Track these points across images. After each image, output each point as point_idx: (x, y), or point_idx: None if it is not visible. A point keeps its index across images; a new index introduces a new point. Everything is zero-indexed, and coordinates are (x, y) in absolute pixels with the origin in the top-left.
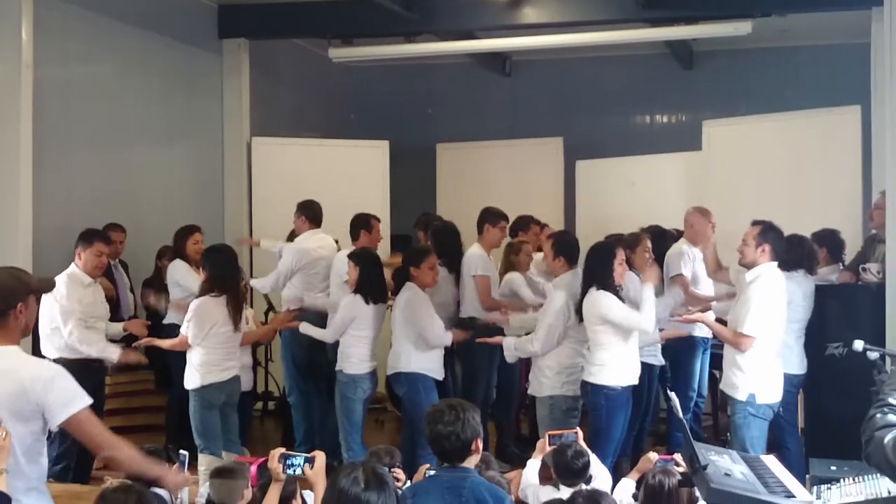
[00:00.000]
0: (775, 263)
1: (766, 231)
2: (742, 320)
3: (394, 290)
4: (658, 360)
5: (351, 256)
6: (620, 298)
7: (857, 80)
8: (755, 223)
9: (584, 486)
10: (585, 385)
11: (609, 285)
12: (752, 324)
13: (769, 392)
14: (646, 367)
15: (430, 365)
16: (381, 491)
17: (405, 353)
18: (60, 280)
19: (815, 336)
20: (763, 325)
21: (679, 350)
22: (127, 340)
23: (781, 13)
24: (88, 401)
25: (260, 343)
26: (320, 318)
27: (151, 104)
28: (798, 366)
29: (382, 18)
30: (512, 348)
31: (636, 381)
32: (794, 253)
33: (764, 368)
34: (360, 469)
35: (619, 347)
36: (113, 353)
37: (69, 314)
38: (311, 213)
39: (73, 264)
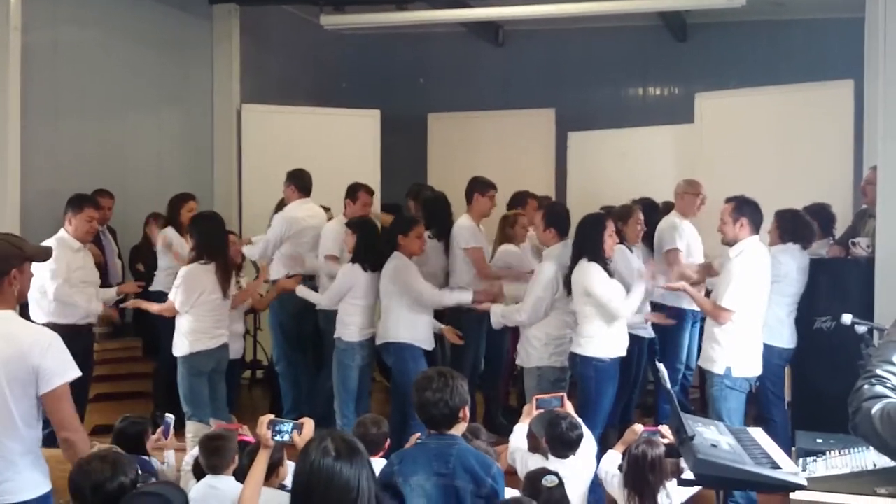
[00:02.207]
0: (756, 237)
1: (741, 205)
2: (722, 294)
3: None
4: (648, 332)
5: (349, 224)
6: (609, 271)
7: (850, 55)
8: (728, 200)
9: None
10: (574, 357)
11: (598, 257)
12: (732, 298)
13: (746, 366)
14: (635, 340)
15: (419, 335)
16: (352, 460)
17: (393, 324)
18: (49, 245)
19: (804, 310)
20: (742, 299)
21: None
22: (120, 304)
23: None
24: (78, 373)
25: (255, 304)
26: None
27: (141, 69)
28: (788, 340)
29: None
30: (499, 315)
31: (624, 353)
32: (788, 226)
33: (741, 342)
34: (329, 438)
35: (606, 320)
36: (98, 306)
37: (56, 274)
38: (300, 182)
39: (62, 229)
